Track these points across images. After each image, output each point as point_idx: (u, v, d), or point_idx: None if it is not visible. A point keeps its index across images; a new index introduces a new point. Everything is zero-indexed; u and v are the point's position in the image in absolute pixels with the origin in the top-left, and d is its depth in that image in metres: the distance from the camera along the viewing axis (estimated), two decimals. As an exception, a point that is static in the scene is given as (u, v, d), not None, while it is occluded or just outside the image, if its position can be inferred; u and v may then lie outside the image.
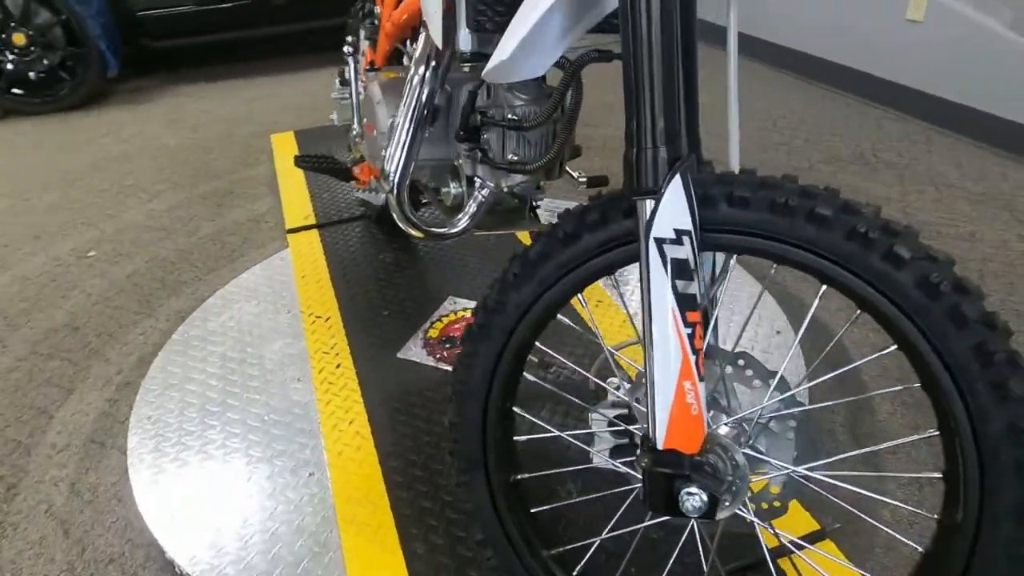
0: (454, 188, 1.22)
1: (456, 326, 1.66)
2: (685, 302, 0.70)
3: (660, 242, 0.69)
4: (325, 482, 1.26)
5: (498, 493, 0.91)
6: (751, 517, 0.82)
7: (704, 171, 0.77)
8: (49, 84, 3.62)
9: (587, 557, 0.94)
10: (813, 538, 1.12)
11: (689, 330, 0.70)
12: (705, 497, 0.72)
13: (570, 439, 0.93)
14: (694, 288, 0.71)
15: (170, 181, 2.81)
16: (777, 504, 0.88)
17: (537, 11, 0.79)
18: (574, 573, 0.93)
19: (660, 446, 0.72)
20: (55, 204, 2.69)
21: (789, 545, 1.02)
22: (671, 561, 0.99)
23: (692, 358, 0.71)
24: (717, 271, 0.88)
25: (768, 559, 0.88)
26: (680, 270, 0.70)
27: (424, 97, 1.07)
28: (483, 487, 0.91)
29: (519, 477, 0.93)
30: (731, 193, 0.72)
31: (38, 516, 1.36)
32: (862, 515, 1.00)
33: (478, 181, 1.14)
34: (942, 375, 0.67)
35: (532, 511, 0.95)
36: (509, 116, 1.04)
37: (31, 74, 3.56)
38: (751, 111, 3.13)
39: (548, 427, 1.01)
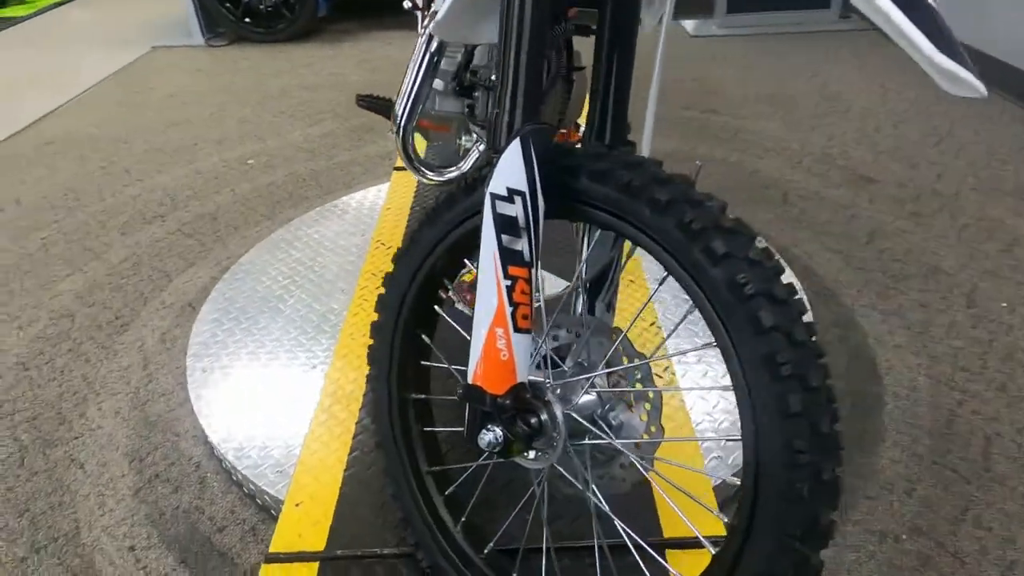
0: (464, 140, 1.33)
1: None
2: (509, 256, 0.76)
3: (494, 197, 0.76)
4: (322, 378, 1.47)
5: (394, 403, 1.04)
6: (577, 482, 0.87)
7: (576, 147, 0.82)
8: (273, 18, 4.24)
9: (458, 482, 1.04)
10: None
11: (509, 282, 0.77)
12: (499, 436, 0.79)
13: (454, 370, 0.99)
14: (521, 245, 0.77)
15: (333, 112, 3.21)
16: (621, 479, 0.92)
17: None
18: (446, 492, 1.04)
19: (469, 380, 0.80)
20: (243, 118, 3.21)
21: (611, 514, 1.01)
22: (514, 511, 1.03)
23: (508, 308, 0.77)
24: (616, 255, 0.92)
25: (596, 538, 0.91)
26: (507, 226, 0.76)
27: (426, 52, 1.18)
28: (385, 391, 1.04)
29: (415, 396, 1.05)
30: (568, 165, 0.77)
31: (132, 350, 1.74)
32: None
33: (474, 135, 1.24)
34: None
35: (425, 429, 1.06)
36: (491, 77, 1.13)
37: (261, 7, 4.19)
38: (917, 122, 2.79)
39: (443, 360, 1.07)
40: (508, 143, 0.76)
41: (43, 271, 2.09)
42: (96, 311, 1.89)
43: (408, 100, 1.22)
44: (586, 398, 0.90)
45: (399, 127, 1.24)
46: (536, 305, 0.82)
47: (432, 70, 1.21)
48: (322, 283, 1.79)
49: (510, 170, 0.76)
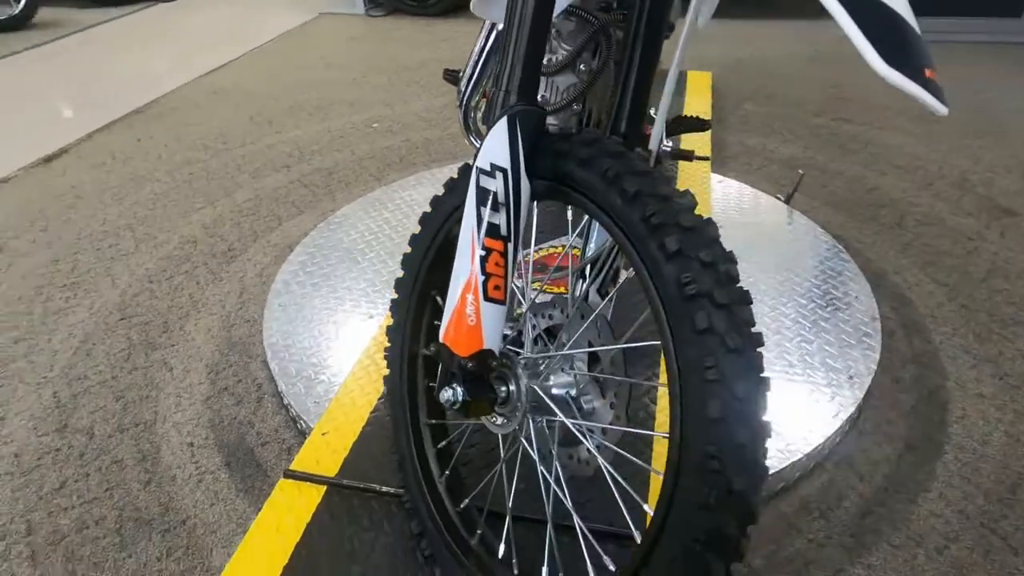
0: None
1: (551, 259, 1.82)
2: (486, 228, 0.81)
3: (479, 171, 0.81)
4: (375, 328, 1.59)
5: (405, 355, 1.12)
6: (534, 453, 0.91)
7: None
8: (426, -8, 4.46)
9: (450, 438, 1.11)
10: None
11: (483, 252, 0.81)
12: (458, 395, 0.85)
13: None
14: (499, 219, 0.81)
15: (461, 86, 3.34)
16: (585, 463, 0.94)
17: None
18: (439, 445, 1.11)
19: (440, 339, 0.86)
20: (378, 85, 3.43)
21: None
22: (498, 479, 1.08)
23: (480, 278, 0.82)
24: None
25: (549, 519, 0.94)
26: (486, 199, 0.80)
27: (488, 33, 1.24)
28: (399, 342, 1.12)
29: (424, 352, 1.12)
30: (558, 149, 0.80)
31: (234, 280, 1.97)
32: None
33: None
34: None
35: (430, 384, 1.14)
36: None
37: (417, -19, 4.43)
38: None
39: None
40: (496, 120, 0.80)
41: (184, 202, 2.40)
42: (215, 241, 2.15)
43: (471, 77, 1.29)
44: (562, 378, 0.93)
45: (461, 100, 1.31)
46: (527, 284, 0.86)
47: (493, 51, 1.27)
48: (400, 243, 1.91)
49: (496, 147, 0.80)
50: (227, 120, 3.07)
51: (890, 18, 0.60)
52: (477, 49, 1.27)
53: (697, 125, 1.38)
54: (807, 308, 1.62)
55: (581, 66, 1.15)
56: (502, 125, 0.80)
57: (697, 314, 0.67)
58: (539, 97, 1.22)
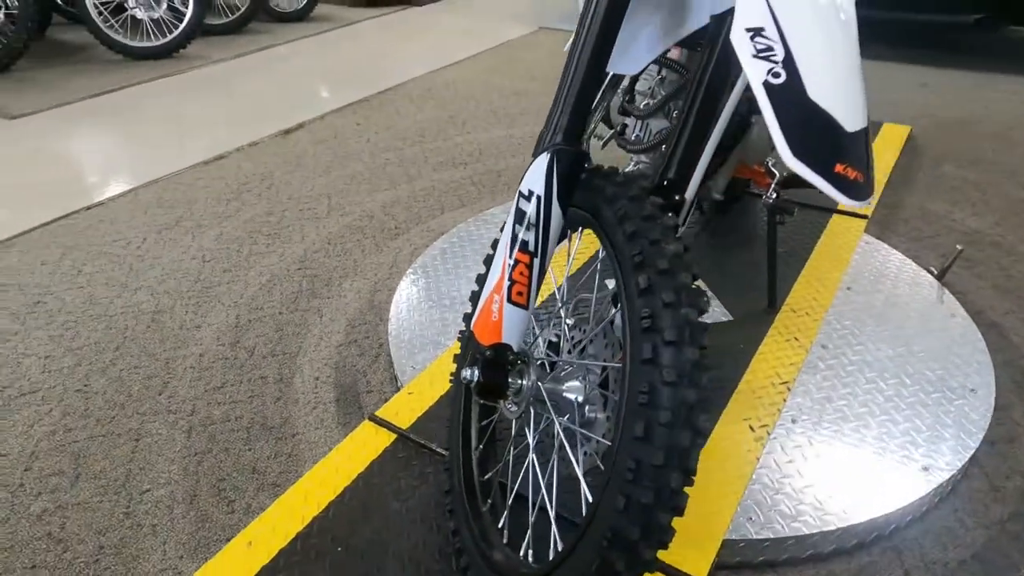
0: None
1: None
2: (517, 242, 0.96)
3: (520, 194, 0.96)
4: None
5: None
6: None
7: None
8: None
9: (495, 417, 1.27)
10: None
11: (512, 262, 0.97)
12: (474, 375, 1.01)
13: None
14: (529, 237, 0.96)
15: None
16: (577, 462, 1.05)
17: (631, 16, 1.03)
18: (483, 421, 1.28)
19: (470, 327, 1.03)
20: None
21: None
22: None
23: (506, 283, 0.97)
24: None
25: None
26: (522, 218, 0.96)
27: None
28: (468, 328, 1.31)
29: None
30: (590, 181, 0.93)
31: (391, 253, 2.31)
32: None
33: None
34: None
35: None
36: (631, 103, 1.27)
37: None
38: None
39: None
40: (539, 153, 0.95)
41: (374, 182, 2.82)
42: (386, 219, 2.52)
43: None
44: (572, 384, 1.05)
45: (587, 135, 1.46)
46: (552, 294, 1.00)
47: (611, 88, 1.40)
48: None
49: (535, 176, 0.95)
50: (429, 117, 3.49)
51: (813, 119, 0.64)
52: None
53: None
54: (909, 388, 1.53)
55: (673, 112, 1.24)
56: (543, 159, 0.95)
57: (645, 345, 0.77)
58: (632, 137, 1.33)
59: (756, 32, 0.82)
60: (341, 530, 1.26)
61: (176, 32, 4.37)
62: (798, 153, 0.67)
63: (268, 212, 2.59)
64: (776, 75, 0.78)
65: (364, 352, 1.85)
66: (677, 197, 1.03)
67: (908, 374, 1.57)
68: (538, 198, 0.95)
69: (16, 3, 3.93)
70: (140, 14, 4.32)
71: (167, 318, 2.00)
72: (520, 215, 0.96)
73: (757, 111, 1.43)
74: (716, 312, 1.77)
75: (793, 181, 1.59)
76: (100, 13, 4.20)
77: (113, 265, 2.26)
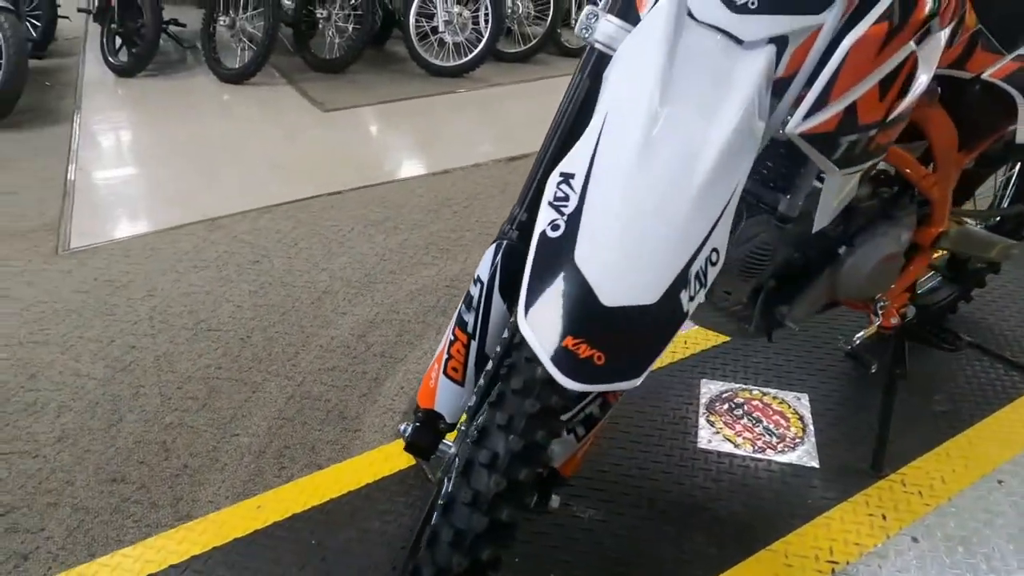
0: None
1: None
2: (459, 320, 0.99)
3: (472, 279, 0.99)
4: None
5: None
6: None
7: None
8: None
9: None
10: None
11: (452, 337, 1.00)
12: (406, 432, 1.06)
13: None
14: (468, 318, 0.99)
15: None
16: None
17: None
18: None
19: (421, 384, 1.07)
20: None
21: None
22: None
23: (445, 356, 1.01)
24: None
25: None
26: (468, 299, 0.98)
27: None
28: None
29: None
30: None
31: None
32: None
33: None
34: None
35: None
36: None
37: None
38: None
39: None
40: (494, 242, 0.97)
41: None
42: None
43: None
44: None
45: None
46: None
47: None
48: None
49: (484, 262, 0.97)
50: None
51: (568, 283, 0.57)
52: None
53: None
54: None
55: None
56: (491, 250, 0.96)
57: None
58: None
59: (566, 179, 0.75)
60: (323, 526, 1.40)
61: (470, 55, 4.97)
62: (531, 314, 0.60)
63: (452, 229, 2.86)
64: (556, 227, 0.70)
65: (452, 377, 1.97)
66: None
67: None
68: (481, 284, 0.97)
69: (360, 16, 4.86)
70: (447, 38, 5.01)
71: (328, 299, 2.36)
72: (468, 296, 0.99)
73: (848, 242, 1.24)
74: (800, 451, 1.53)
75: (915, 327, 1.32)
76: (417, 33, 4.97)
77: (319, 245, 2.73)
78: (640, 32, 0.84)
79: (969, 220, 1.61)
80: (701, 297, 0.73)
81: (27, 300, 2.37)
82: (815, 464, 1.50)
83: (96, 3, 5.25)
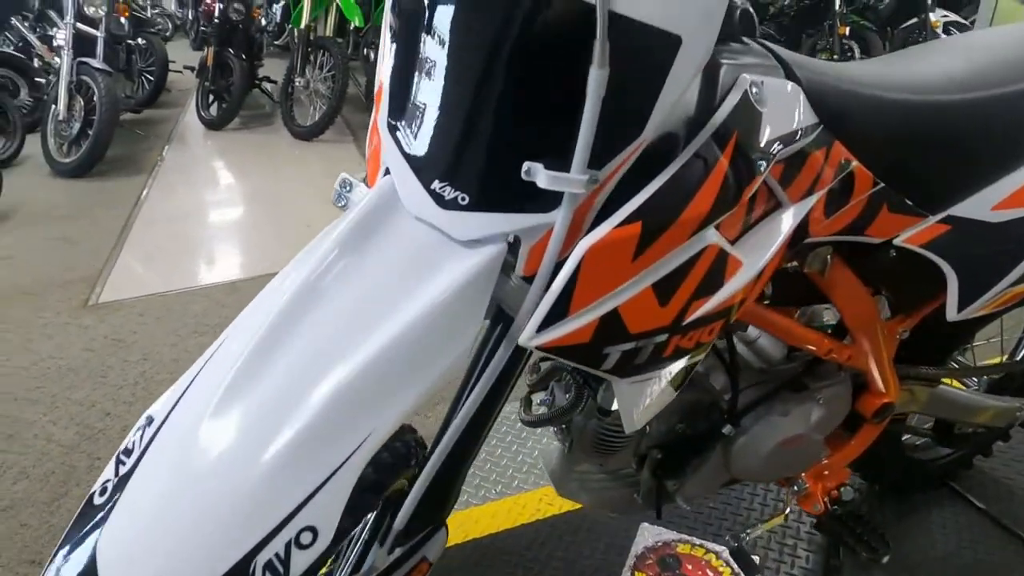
0: None
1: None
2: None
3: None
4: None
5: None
6: None
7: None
8: None
9: None
10: None
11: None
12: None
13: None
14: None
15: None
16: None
17: None
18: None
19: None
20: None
21: None
22: None
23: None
24: None
25: None
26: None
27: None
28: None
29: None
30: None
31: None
32: None
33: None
34: None
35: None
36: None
37: None
38: None
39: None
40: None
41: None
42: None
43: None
44: None
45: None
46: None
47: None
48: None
49: None
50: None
51: None
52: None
53: None
54: None
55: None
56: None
57: None
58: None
59: (148, 422, 0.62)
60: None
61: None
62: None
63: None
64: (104, 491, 0.58)
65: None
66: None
67: None
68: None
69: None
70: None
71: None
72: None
73: (734, 421, 1.05)
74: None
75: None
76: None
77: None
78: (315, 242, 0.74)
79: (951, 379, 1.34)
80: None
81: (41, 354, 2.54)
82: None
83: (199, 61, 5.76)
